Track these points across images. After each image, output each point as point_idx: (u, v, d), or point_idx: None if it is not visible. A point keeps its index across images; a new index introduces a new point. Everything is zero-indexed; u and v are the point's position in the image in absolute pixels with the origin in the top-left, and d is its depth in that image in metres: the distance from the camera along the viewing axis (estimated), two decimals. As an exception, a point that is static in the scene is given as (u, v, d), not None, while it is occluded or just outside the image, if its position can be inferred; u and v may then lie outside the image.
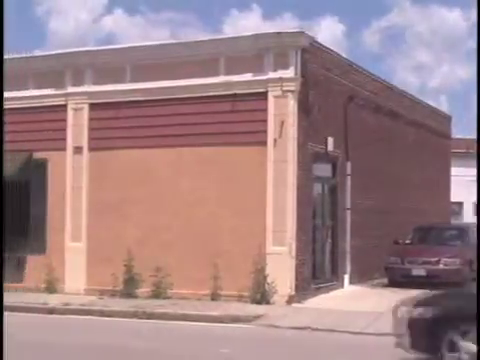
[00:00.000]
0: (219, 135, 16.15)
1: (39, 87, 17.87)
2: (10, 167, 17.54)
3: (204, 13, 56.44)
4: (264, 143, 15.73)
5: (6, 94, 17.73)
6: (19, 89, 17.90)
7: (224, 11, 64.72)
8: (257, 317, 13.74)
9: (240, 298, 15.36)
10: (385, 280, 18.93)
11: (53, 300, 15.71)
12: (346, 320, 13.25)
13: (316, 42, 16.50)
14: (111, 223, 16.98)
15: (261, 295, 15.31)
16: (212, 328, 13.23)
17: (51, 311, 14.90)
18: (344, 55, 18.82)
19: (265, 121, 15.75)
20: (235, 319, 13.74)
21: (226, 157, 16.07)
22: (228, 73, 16.18)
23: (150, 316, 14.19)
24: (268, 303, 15.24)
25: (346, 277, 18.26)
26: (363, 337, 11.98)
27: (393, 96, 21.49)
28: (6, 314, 14.69)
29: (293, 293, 15.48)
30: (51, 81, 17.71)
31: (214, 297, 15.75)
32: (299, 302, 15.45)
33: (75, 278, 17.21)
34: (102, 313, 14.59)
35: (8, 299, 15.71)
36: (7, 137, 17.82)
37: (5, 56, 18.07)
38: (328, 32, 60.66)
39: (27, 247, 17.76)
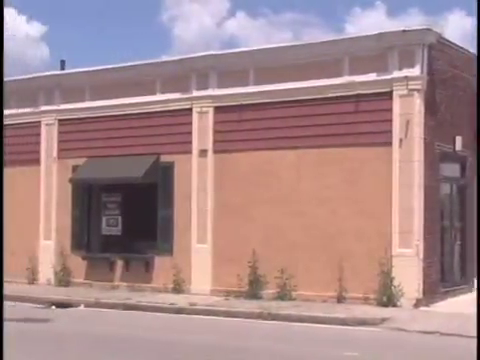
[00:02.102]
0: (342, 136, 16.01)
1: (165, 92, 18.28)
2: (138, 170, 18.06)
3: (326, 12, 56.06)
4: (389, 143, 15.45)
5: (136, 99, 18.37)
6: (147, 94, 18.40)
7: (347, 9, 64.02)
8: (383, 320, 13.50)
9: (366, 300, 15.16)
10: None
11: (180, 300, 16.01)
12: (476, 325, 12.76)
13: (443, 38, 16.06)
14: (236, 224, 17.15)
15: (387, 298, 15.03)
16: (337, 331, 13.10)
17: (178, 311, 15.20)
18: (473, 51, 18.15)
19: (390, 121, 15.47)
20: (361, 322, 13.55)
21: (349, 158, 15.90)
22: (351, 73, 16.01)
23: (275, 317, 14.21)
24: (395, 306, 14.95)
25: (475, 280, 17.64)
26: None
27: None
28: (137, 313, 15.22)
29: (421, 296, 15.11)
30: (177, 85, 18.08)
31: (339, 299, 15.60)
32: (427, 306, 15.07)
33: (201, 279, 17.47)
34: (228, 314, 14.74)
35: (138, 299, 16.23)
36: (135, 141, 18.44)
37: (133, 63, 18.74)
38: (456, 27, 58.76)
39: (155, 248, 18.18)
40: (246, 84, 17.28)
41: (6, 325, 13.21)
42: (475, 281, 17.56)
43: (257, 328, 13.46)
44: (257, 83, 17.15)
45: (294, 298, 15.99)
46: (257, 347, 11.31)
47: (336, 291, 15.59)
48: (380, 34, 15.59)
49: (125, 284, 18.29)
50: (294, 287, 16.05)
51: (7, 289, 17.91)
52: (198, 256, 17.59)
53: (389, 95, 15.48)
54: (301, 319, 13.97)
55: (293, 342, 12.02)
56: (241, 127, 17.23)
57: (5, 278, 19.50)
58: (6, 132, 20.34)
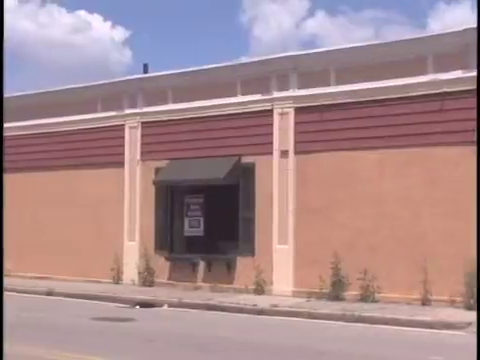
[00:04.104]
0: (426, 135, 15.71)
1: (246, 93, 18.34)
2: (220, 172, 18.18)
3: (408, 9, 55.09)
4: (474, 142, 15.04)
5: (217, 101, 18.50)
6: (228, 96, 18.51)
7: (430, 5, 62.75)
8: (470, 324, 13.12)
9: (452, 303, 14.82)
10: None
11: (262, 301, 16.02)
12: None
13: None
14: (317, 225, 17.06)
15: (475, 301, 14.65)
16: (422, 334, 12.84)
17: (260, 312, 15.20)
18: None
19: (476, 119, 15.07)
20: (446, 325, 13.24)
21: (433, 157, 15.58)
22: (436, 71, 15.69)
23: (358, 319, 14.04)
24: (482, 309, 14.56)
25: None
26: None
27: None
28: (218, 314, 15.32)
29: (509, 299, 14.66)
30: (257, 87, 18.11)
31: (424, 302, 15.31)
32: (516, 309, 14.61)
33: (282, 280, 17.45)
34: (310, 315, 14.65)
35: (220, 299, 16.33)
36: (217, 143, 18.56)
37: (214, 65, 18.88)
38: None
39: (236, 249, 18.27)
40: (327, 84, 17.17)
41: (93, 324, 13.57)
42: None
43: (340, 330, 13.33)
44: (338, 83, 17.02)
45: (377, 300, 15.78)
46: (341, 349, 11.19)
47: (421, 293, 15.31)
48: (465, 30, 15.21)
49: (207, 284, 18.43)
50: (377, 289, 15.85)
51: (93, 289, 18.37)
52: (279, 257, 17.57)
53: (474, 93, 15.09)
54: (385, 321, 13.75)
55: (377, 345, 11.85)
56: (322, 127, 17.13)
57: (91, 278, 20.04)
58: (91, 135, 20.92)
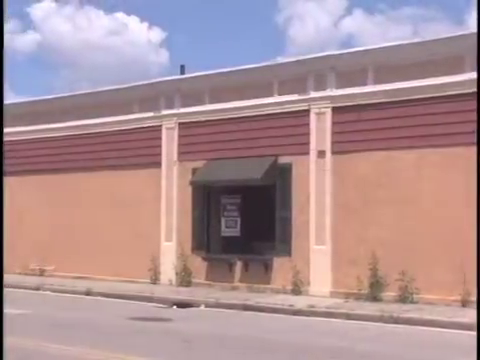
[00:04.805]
0: (464, 134, 15.47)
1: (283, 93, 18.30)
2: (257, 172, 18.17)
3: (447, 6, 54.51)
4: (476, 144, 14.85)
5: (253, 102, 18.50)
6: (264, 96, 18.50)
7: (467, 1, 62.04)
8: (511, 326, 12.96)
9: (492, 305, 14.61)
10: None
11: (299, 302, 15.97)
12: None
13: None
14: (355, 226, 16.96)
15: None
16: (460, 336, 12.68)
17: (297, 313, 15.16)
18: None
19: (516, 118, 14.86)
20: (486, 327, 13.07)
21: (471, 157, 15.30)
22: (473, 70, 15.46)
23: (396, 320, 13.93)
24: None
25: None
26: None
27: None
28: (256, 314, 15.31)
29: None
30: (294, 87, 18.07)
31: (464, 303, 15.12)
32: None
33: (320, 280, 17.38)
34: (347, 316, 14.58)
35: (257, 299, 16.32)
36: (254, 143, 18.56)
37: (251, 65, 18.88)
38: None
39: (273, 250, 18.23)
40: (365, 84, 17.07)
41: (131, 324, 13.65)
42: None
43: (378, 331, 13.23)
44: (376, 82, 16.91)
45: (416, 301, 15.64)
46: (378, 351, 11.12)
47: (460, 294, 15.12)
48: (504, 28, 14.98)
49: (244, 285, 18.44)
50: (416, 290, 15.70)
51: (131, 289, 18.49)
52: (317, 257, 17.51)
53: (515, 91, 14.87)
54: (422, 323, 13.63)
55: (415, 347, 11.73)
56: (360, 127, 17.03)
57: (129, 278, 20.17)
58: (128, 136, 21.07)
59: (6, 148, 24.24)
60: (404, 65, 16.47)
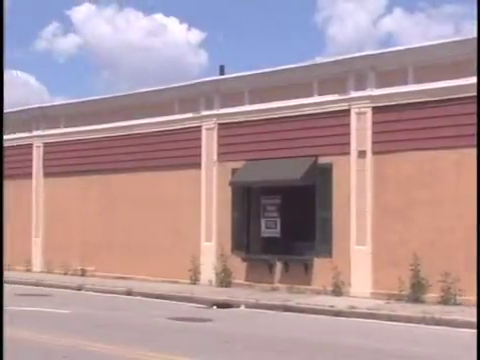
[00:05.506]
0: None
1: (323, 93, 18.22)
2: (296, 172, 18.11)
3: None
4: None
5: (293, 102, 18.45)
6: (304, 96, 18.44)
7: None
8: None
9: None
10: None
11: (340, 303, 15.87)
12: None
13: None
14: (396, 226, 16.81)
15: None
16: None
17: (338, 314, 15.06)
18: None
19: None
20: None
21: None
22: (517, 68, 15.25)
23: (438, 322, 13.76)
24: None
25: None
26: None
27: None
28: (296, 315, 15.26)
29: None
30: (334, 87, 17.97)
31: (508, 305, 14.87)
32: None
33: (361, 281, 17.25)
34: (389, 317, 14.43)
35: (297, 300, 16.26)
36: (293, 143, 18.51)
37: (290, 65, 18.83)
38: None
39: (314, 250, 18.16)
40: (405, 83, 16.91)
41: (171, 324, 13.71)
42: None
43: (420, 333, 13.08)
44: (416, 82, 16.74)
45: (459, 303, 15.44)
46: (420, 353, 11.00)
47: (504, 296, 14.88)
48: None
49: (284, 285, 18.39)
50: (459, 292, 15.49)
51: (171, 289, 18.57)
52: (358, 258, 17.39)
53: None
54: (465, 325, 13.42)
55: (457, 348, 11.56)
56: (400, 127, 16.87)
57: (169, 278, 20.27)
58: (168, 137, 21.18)
59: (49, 150, 24.65)
60: (445, 64, 16.28)
